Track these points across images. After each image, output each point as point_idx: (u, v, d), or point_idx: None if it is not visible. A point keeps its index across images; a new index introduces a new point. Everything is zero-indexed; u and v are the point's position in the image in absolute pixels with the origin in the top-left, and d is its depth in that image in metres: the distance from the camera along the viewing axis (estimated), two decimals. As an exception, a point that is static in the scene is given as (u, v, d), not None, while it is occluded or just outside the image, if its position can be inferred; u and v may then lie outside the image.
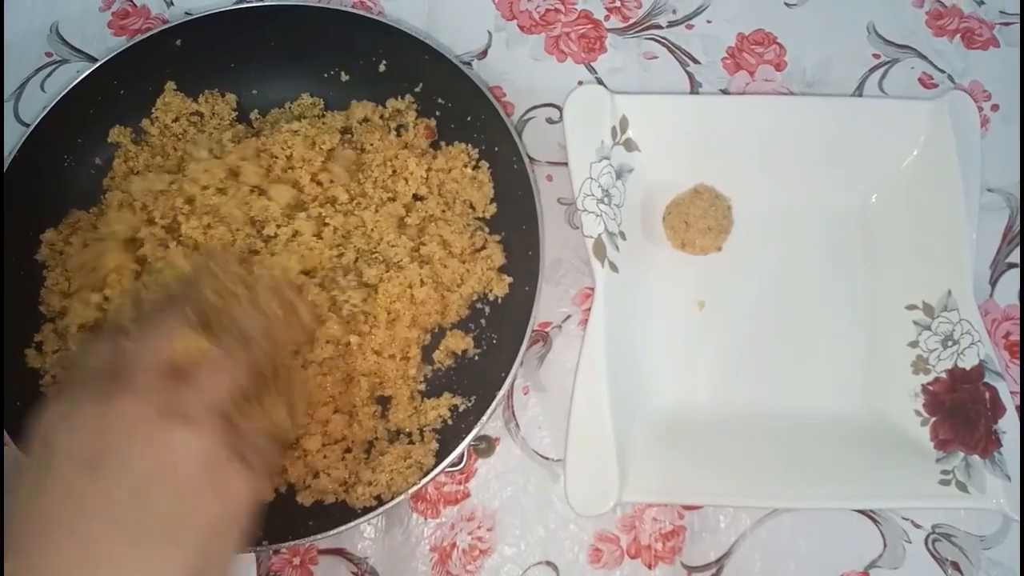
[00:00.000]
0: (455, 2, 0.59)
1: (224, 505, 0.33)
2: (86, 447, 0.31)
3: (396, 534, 0.49)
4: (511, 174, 0.51)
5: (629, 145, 0.52)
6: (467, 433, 0.46)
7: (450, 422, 0.48)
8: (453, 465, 0.49)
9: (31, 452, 0.32)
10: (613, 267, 0.49)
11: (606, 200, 0.50)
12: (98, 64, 0.52)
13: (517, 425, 0.51)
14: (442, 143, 0.53)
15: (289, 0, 0.55)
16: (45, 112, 0.51)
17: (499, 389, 0.47)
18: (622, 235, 0.51)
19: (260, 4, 0.54)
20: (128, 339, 0.35)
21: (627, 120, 0.52)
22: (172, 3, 0.60)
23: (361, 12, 0.54)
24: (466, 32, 0.58)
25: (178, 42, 0.53)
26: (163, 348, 0.34)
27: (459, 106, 0.53)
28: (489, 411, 0.46)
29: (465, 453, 0.49)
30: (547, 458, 0.50)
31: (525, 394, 0.51)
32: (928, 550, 0.49)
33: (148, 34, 0.53)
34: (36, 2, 0.59)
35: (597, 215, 0.50)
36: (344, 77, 0.55)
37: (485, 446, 0.50)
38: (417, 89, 0.54)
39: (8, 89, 0.57)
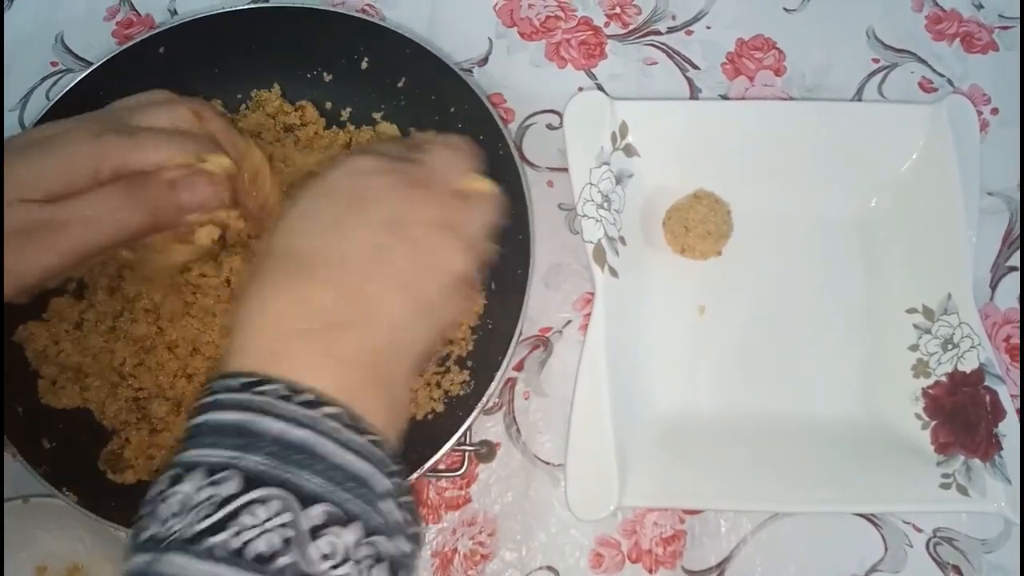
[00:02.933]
0: (456, 10, 0.59)
1: (454, 316, 0.38)
2: (399, 215, 0.34)
3: (398, 539, 0.49)
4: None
5: (629, 151, 0.52)
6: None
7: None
8: (453, 470, 0.49)
9: (336, 181, 0.36)
10: (613, 272, 0.50)
11: (606, 205, 0.50)
12: (81, 76, 0.51)
13: (518, 430, 0.51)
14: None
15: (271, 3, 0.55)
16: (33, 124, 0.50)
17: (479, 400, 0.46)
18: (622, 240, 0.51)
19: (240, 8, 0.54)
20: (438, 149, 0.39)
21: (627, 126, 0.52)
22: (176, 11, 0.60)
23: (339, 10, 0.54)
24: (467, 39, 0.59)
25: (161, 50, 0.53)
26: (461, 177, 0.38)
27: (449, 106, 0.53)
28: (464, 427, 0.46)
29: (466, 458, 0.49)
30: (548, 463, 0.51)
31: (526, 399, 0.52)
32: (929, 554, 0.49)
33: (130, 43, 0.52)
34: (41, 12, 0.60)
35: (597, 220, 0.50)
36: (327, 77, 0.55)
37: (486, 451, 0.50)
38: (400, 84, 0.54)
39: (15, 98, 0.57)
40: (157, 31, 0.53)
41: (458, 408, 0.48)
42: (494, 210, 0.39)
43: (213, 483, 0.27)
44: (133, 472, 0.47)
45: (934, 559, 0.49)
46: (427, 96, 0.53)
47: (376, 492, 0.29)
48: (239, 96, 0.55)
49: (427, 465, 0.45)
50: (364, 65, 0.54)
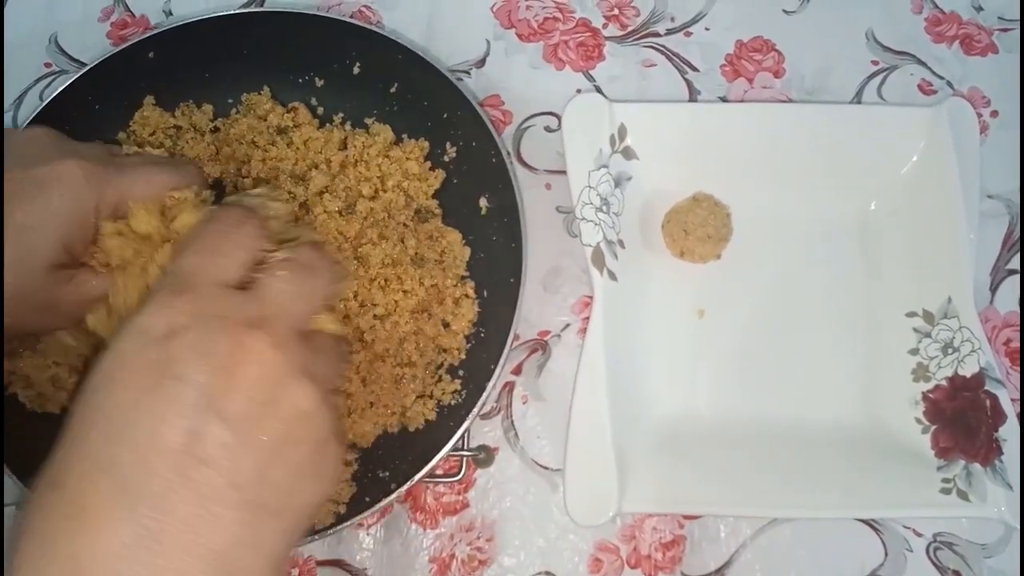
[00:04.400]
0: (454, 12, 0.59)
1: (326, 485, 0.31)
2: (215, 388, 0.27)
3: (395, 545, 0.49)
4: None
5: (628, 153, 0.52)
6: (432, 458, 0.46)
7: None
8: (451, 475, 0.49)
9: (134, 344, 0.28)
10: (612, 276, 0.49)
11: (605, 208, 0.50)
12: (69, 81, 0.51)
13: (516, 435, 0.51)
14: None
15: (264, 8, 0.55)
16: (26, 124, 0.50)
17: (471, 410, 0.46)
18: (621, 243, 0.51)
19: (230, 12, 0.54)
20: (281, 272, 0.32)
21: (625, 128, 0.52)
22: (171, 12, 0.60)
23: (331, 15, 0.54)
24: (465, 41, 0.58)
25: (151, 54, 0.52)
26: (312, 305, 0.32)
27: (442, 112, 0.53)
28: (455, 436, 0.46)
29: (464, 463, 0.49)
30: (546, 468, 0.50)
31: (524, 403, 0.51)
32: (929, 559, 0.49)
33: (122, 46, 0.52)
34: (36, 12, 0.59)
35: (596, 224, 0.49)
36: (319, 82, 0.54)
37: (484, 456, 0.50)
38: (392, 90, 0.53)
39: (8, 99, 0.57)
40: (148, 35, 0.52)
41: (450, 418, 0.47)
42: (343, 357, 0.34)
43: None
44: None
45: (934, 564, 0.48)
46: (419, 102, 0.53)
47: None
48: (229, 101, 0.54)
49: (417, 476, 0.45)
50: (356, 70, 0.54)
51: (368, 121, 0.54)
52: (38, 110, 0.50)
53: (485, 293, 0.50)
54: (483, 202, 0.51)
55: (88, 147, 0.41)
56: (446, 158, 0.53)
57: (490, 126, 0.51)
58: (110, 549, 0.24)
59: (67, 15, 0.59)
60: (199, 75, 0.53)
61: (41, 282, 0.36)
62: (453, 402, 0.48)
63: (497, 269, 0.50)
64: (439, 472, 0.49)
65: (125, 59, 0.52)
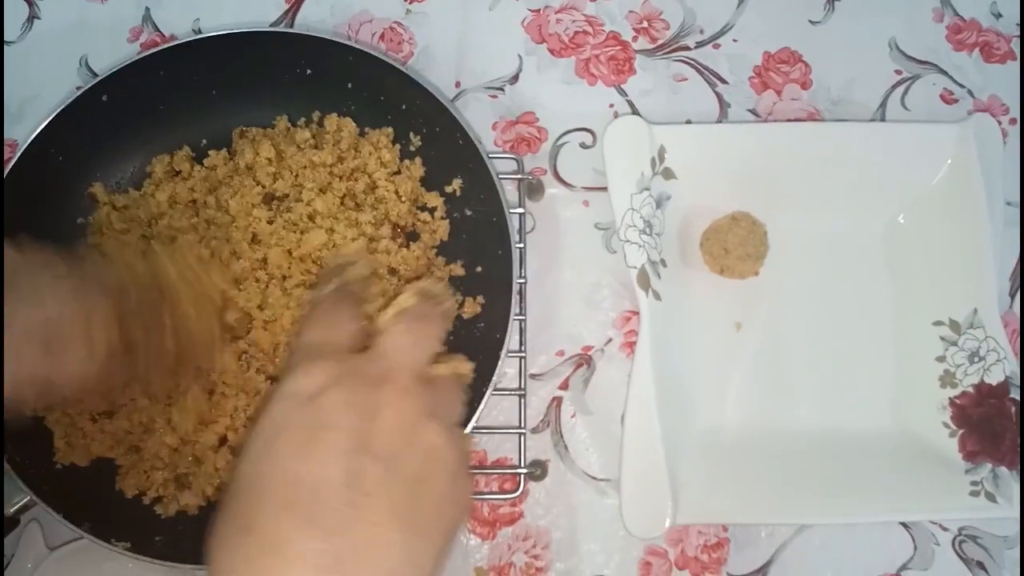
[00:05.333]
0: (485, 27, 0.59)
1: (464, 509, 0.35)
2: (365, 432, 0.31)
3: (455, 556, 0.52)
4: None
5: (667, 174, 0.53)
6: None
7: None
8: (510, 493, 0.51)
9: (291, 407, 0.32)
10: (656, 296, 0.51)
11: (648, 231, 0.52)
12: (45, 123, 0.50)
13: (566, 447, 0.53)
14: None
15: (294, 29, 0.56)
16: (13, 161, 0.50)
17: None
18: (663, 263, 0.53)
19: (258, 30, 0.54)
20: (399, 335, 0.35)
21: (665, 149, 0.53)
22: (200, 30, 0.60)
23: (340, 40, 0.53)
24: (497, 57, 0.59)
25: (104, 97, 0.51)
26: (428, 356, 0.36)
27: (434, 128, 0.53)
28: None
29: (522, 480, 0.51)
30: (596, 478, 0.53)
31: (572, 417, 0.54)
32: (955, 552, 0.52)
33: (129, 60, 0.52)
34: (66, 35, 0.59)
35: (640, 246, 0.51)
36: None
37: (539, 472, 0.52)
38: (348, 87, 0.53)
39: (40, 123, 0.56)
40: (100, 79, 0.51)
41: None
42: (461, 394, 0.37)
43: None
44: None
45: (960, 556, 0.52)
46: (376, 97, 0.53)
47: None
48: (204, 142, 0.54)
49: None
50: (309, 72, 0.54)
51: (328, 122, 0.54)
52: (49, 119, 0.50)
53: (478, 269, 0.52)
54: (457, 183, 0.53)
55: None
56: (412, 148, 0.53)
57: (451, 108, 0.51)
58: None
59: (96, 37, 0.59)
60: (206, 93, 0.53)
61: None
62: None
63: (482, 245, 0.51)
64: (497, 489, 0.52)
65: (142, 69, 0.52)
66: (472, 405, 0.47)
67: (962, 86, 0.59)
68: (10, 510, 0.45)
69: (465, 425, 0.46)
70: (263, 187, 0.51)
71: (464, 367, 0.38)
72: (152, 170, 0.53)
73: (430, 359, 0.36)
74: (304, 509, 0.29)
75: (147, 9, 0.59)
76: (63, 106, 0.50)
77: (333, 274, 0.42)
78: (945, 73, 0.59)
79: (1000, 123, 0.57)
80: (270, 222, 0.50)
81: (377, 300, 0.40)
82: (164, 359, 0.41)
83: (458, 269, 0.52)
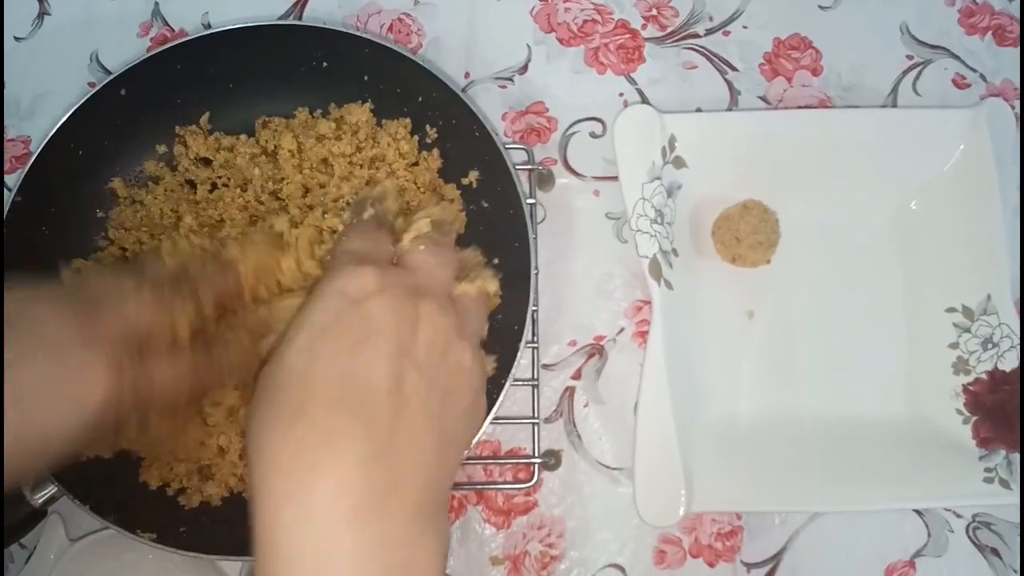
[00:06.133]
0: (494, 17, 0.59)
1: (477, 427, 0.38)
2: (407, 342, 0.33)
3: (471, 545, 0.52)
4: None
5: (678, 163, 0.53)
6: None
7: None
8: (524, 483, 0.52)
9: (341, 305, 0.33)
10: (668, 285, 0.51)
11: (659, 220, 0.52)
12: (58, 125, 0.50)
13: (579, 437, 0.54)
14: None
15: (302, 22, 0.56)
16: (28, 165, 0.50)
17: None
18: (674, 252, 0.53)
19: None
20: (426, 254, 0.37)
21: (675, 138, 0.53)
22: (209, 25, 0.60)
23: (352, 32, 0.53)
24: (506, 47, 0.59)
25: (122, 91, 0.51)
26: (451, 277, 0.38)
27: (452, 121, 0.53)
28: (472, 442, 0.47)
29: (536, 470, 0.51)
30: (609, 467, 0.53)
31: (585, 407, 0.54)
32: (969, 538, 0.52)
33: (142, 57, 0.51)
34: (76, 31, 0.59)
35: (651, 235, 0.51)
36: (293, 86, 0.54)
37: (553, 462, 0.53)
38: (364, 80, 0.53)
39: (57, 121, 0.57)
40: (116, 75, 0.51)
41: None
42: (484, 315, 0.39)
43: None
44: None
45: (973, 543, 0.52)
46: (392, 90, 0.53)
47: None
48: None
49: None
50: (324, 66, 0.54)
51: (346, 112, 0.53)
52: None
53: (495, 261, 0.51)
54: (474, 175, 0.53)
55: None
56: (428, 140, 0.53)
57: (467, 100, 0.51)
58: (356, 464, 0.30)
59: (106, 33, 0.59)
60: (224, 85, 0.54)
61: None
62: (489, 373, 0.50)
63: (499, 237, 0.51)
64: (511, 479, 0.52)
65: (158, 62, 0.52)
66: (492, 397, 0.47)
67: (974, 70, 0.58)
68: (37, 502, 0.45)
69: (486, 416, 0.47)
70: (289, 178, 0.51)
71: (491, 285, 0.39)
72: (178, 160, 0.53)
73: (453, 279, 0.38)
74: (353, 404, 0.31)
75: (156, 4, 0.60)
76: (82, 101, 0.50)
77: (367, 203, 0.43)
78: (957, 58, 0.59)
79: (1013, 108, 0.57)
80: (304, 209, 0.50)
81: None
82: (243, 353, 0.41)
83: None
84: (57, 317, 0.35)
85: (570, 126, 0.58)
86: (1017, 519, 0.52)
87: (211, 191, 0.52)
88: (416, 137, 0.53)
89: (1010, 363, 0.51)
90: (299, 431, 0.30)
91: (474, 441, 0.39)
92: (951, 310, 0.53)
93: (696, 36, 0.59)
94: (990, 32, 0.59)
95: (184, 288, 0.39)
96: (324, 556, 0.28)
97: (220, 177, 0.52)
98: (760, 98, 0.58)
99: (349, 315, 0.33)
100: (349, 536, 0.29)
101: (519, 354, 0.48)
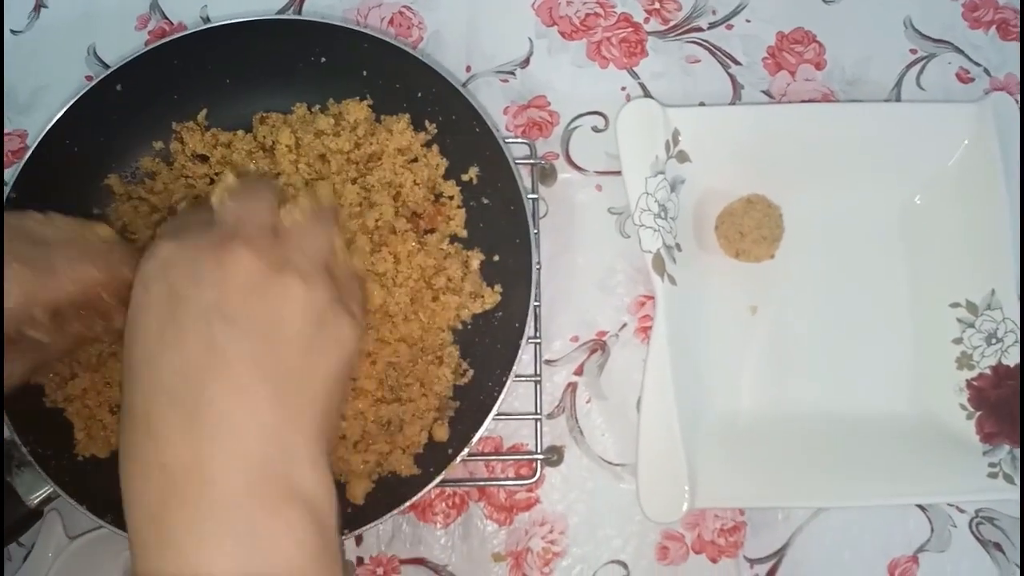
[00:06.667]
0: (495, 10, 0.59)
1: (341, 351, 0.35)
2: (213, 298, 0.32)
3: (473, 542, 0.52)
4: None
5: (681, 157, 0.53)
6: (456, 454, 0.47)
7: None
8: (526, 479, 0.51)
9: (144, 294, 0.33)
10: (672, 280, 0.51)
11: (663, 215, 0.51)
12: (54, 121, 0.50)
13: (581, 433, 0.53)
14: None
15: (301, 16, 0.56)
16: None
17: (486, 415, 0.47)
18: (678, 247, 0.52)
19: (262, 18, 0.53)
20: (232, 202, 0.36)
21: (679, 132, 0.53)
22: (208, 18, 0.59)
23: (349, 26, 0.52)
24: (507, 40, 0.58)
25: (119, 87, 0.51)
26: (268, 211, 0.36)
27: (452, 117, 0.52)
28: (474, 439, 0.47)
29: (538, 466, 0.51)
30: (611, 463, 0.53)
31: (587, 403, 0.54)
32: (972, 533, 0.52)
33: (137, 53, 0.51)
34: (73, 24, 0.59)
35: (655, 230, 0.51)
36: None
37: (556, 458, 0.52)
38: (364, 75, 0.53)
39: (55, 114, 0.56)
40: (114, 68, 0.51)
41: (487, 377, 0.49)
42: (322, 226, 0.37)
43: None
44: None
45: (976, 538, 0.52)
46: (391, 85, 0.52)
47: None
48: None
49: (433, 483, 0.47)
50: (323, 61, 0.53)
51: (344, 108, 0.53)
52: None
53: (496, 258, 0.52)
54: (473, 171, 0.52)
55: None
56: (428, 135, 0.53)
57: (467, 95, 0.51)
58: (175, 454, 0.30)
59: (104, 26, 0.59)
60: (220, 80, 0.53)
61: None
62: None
63: (500, 233, 0.51)
64: (513, 475, 0.52)
65: (155, 57, 0.51)
66: (494, 394, 0.47)
67: (979, 65, 0.58)
68: (34, 502, 0.45)
69: (489, 409, 0.47)
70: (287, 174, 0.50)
71: (299, 203, 0.37)
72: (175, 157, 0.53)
73: (272, 212, 0.36)
74: (166, 392, 0.31)
75: (154, -3, 0.59)
76: (77, 96, 0.50)
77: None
78: (961, 52, 0.58)
79: (1018, 102, 0.57)
80: None
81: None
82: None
83: (476, 258, 0.52)
84: None
85: (572, 120, 0.57)
86: (1019, 513, 0.52)
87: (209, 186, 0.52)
88: (415, 133, 0.53)
89: (1014, 358, 0.50)
90: (131, 430, 0.31)
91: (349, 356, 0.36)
92: (955, 305, 0.53)
93: (699, 30, 0.59)
94: (994, 26, 0.59)
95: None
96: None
97: (218, 174, 0.52)
98: (764, 92, 0.58)
99: (151, 295, 0.33)
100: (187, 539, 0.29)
101: (521, 350, 0.48)
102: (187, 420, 0.30)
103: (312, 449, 0.32)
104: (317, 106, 0.53)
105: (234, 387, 0.31)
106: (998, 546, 0.52)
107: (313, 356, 0.33)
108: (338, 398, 0.35)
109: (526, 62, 0.58)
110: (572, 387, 0.54)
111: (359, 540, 0.52)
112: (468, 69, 0.58)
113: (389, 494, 0.47)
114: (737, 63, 0.58)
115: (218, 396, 0.30)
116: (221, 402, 0.30)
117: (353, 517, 0.47)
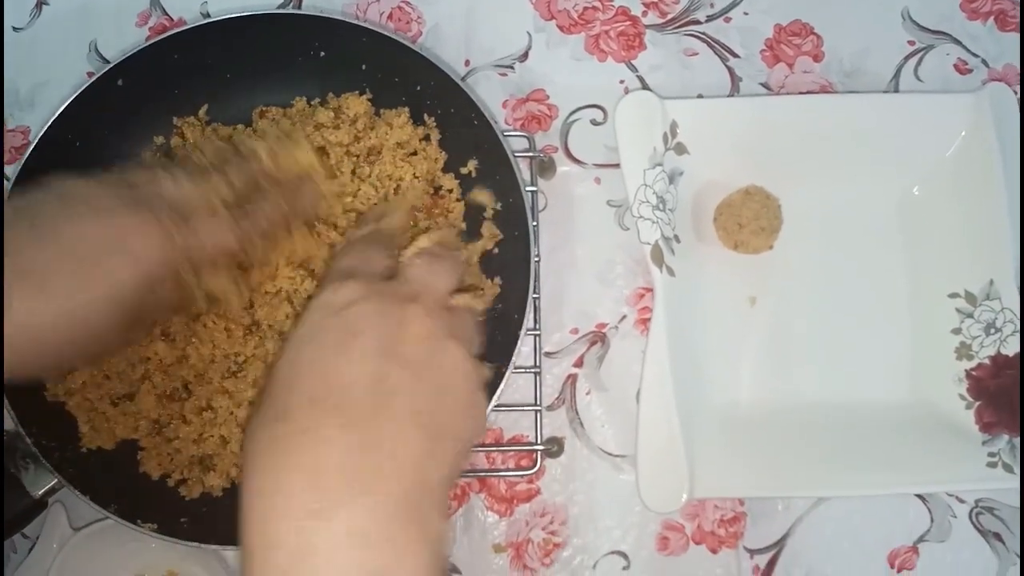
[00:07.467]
0: (494, 4, 0.59)
1: (477, 426, 0.37)
2: (392, 339, 0.33)
3: (474, 533, 0.52)
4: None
5: (679, 149, 0.53)
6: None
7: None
8: (526, 470, 0.52)
9: (322, 319, 0.34)
10: (670, 272, 0.51)
11: (661, 206, 0.52)
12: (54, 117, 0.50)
13: (581, 424, 0.53)
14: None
15: (301, 11, 0.56)
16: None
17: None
18: (676, 239, 0.52)
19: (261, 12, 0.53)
20: (420, 265, 0.39)
21: (677, 124, 0.53)
22: (208, 14, 0.60)
23: (350, 20, 0.53)
24: (506, 35, 0.59)
25: (119, 82, 0.51)
26: (449, 284, 0.38)
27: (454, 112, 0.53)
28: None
29: (538, 457, 0.51)
30: (611, 454, 0.53)
31: (587, 394, 0.54)
32: (972, 523, 0.52)
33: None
34: (74, 20, 0.59)
35: (653, 222, 0.51)
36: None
37: (556, 449, 0.53)
38: (362, 69, 0.53)
39: (56, 110, 0.57)
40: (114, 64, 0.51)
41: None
42: (480, 324, 0.39)
43: None
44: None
45: (976, 528, 0.52)
46: (390, 78, 0.53)
47: None
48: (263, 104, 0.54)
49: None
50: (322, 55, 0.53)
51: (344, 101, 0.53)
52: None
53: (495, 250, 0.52)
54: (472, 164, 0.53)
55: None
56: (427, 128, 0.53)
57: (466, 88, 0.51)
58: (333, 456, 0.30)
59: (104, 22, 0.59)
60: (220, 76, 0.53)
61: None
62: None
63: (500, 226, 0.51)
64: (513, 466, 0.52)
65: (156, 53, 0.51)
66: (493, 385, 0.47)
67: (976, 56, 0.58)
68: (38, 493, 0.46)
69: (487, 403, 0.47)
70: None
71: (477, 303, 0.40)
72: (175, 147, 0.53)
73: (449, 291, 0.38)
74: (333, 401, 0.32)
75: (155, -8, 0.59)
76: (78, 92, 0.50)
77: (371, 219, 0.45)
78: (959, 43, 0.58)
79: (1016, 93, 0.57)
80: None
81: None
82: (277, 209, 0.44)
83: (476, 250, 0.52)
84: (100, 189, 0.39)
85: (571, 113, 0.58)
86: (1018, 502, 0.52)
87: None
88: (415, 126, 0.53)
89: (1013, 348, 0.50)
90: (278, 430, 0.31)
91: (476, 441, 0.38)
92: (954, 295, 0.53)
93: (697, 23, 0.59)
94: (992, 17, 0.59)
95: (213, 173, 0.42)
96: (297, 549, 0.29)
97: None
98: (762, 84, 0.58)
99: (331, 322, 0.34)
100: (323, 528, 0.29)
101: (520, 341, 0.48)
102: (346, 431, 0.31)
103: (444, 501, 0.33)
104: (317, 100, 0.53)
105: (397, 420, 0.32)
106: (998, 536, 0.52)
107: (464, 422, 0.35)
108: (466, 458, 0.38)
109: (525, 56, 0.58)
110: (572, 379, 0.54)
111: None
112: (467, 63, 0.58)
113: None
114: (735, 55, 0.58)
115: (383, 423, 0.32)
116: (382, 429, 0.32)
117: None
